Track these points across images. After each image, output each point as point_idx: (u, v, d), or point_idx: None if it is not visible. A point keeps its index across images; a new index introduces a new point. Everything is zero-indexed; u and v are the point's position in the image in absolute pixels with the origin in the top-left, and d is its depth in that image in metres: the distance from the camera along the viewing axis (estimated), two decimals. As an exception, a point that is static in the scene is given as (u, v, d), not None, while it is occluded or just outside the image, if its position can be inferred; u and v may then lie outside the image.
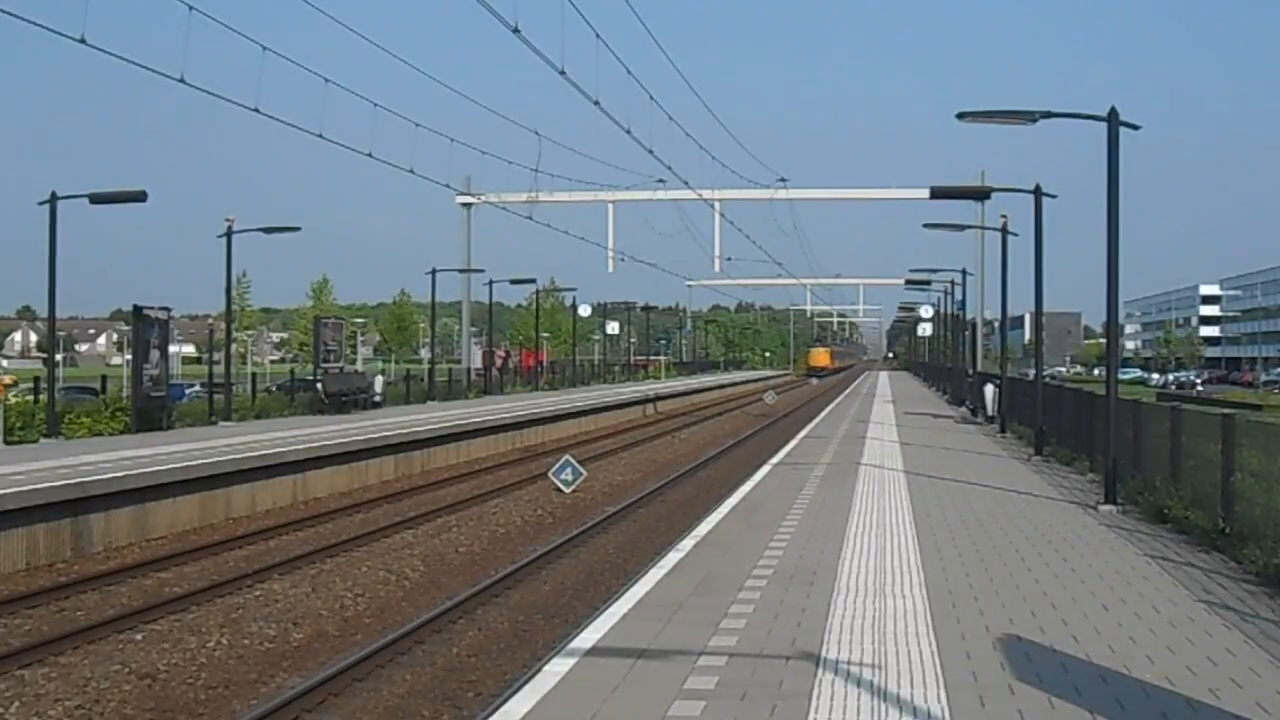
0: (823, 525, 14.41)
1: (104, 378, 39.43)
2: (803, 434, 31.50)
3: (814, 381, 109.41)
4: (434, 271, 49.49)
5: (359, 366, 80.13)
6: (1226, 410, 15.37)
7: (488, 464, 31.36)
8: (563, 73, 24.59)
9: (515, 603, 14.83)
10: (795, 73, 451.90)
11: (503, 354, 73.71)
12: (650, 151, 34.45)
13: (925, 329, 73.60)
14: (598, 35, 25.55)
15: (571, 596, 15.27)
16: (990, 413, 34.77)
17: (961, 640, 8.73)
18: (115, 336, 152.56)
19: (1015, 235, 31.28)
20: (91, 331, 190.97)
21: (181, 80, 20.46)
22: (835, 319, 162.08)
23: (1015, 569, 11.61)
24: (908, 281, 59.33)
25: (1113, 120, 16.04)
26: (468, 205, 57.42)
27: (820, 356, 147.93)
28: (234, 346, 62.77)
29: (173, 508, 19.66)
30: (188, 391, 44.39)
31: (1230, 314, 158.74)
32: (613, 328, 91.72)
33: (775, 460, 23.46)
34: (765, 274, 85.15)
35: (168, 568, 16.71)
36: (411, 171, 33.49)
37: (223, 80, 22.75)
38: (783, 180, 59.22)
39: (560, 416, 41.83)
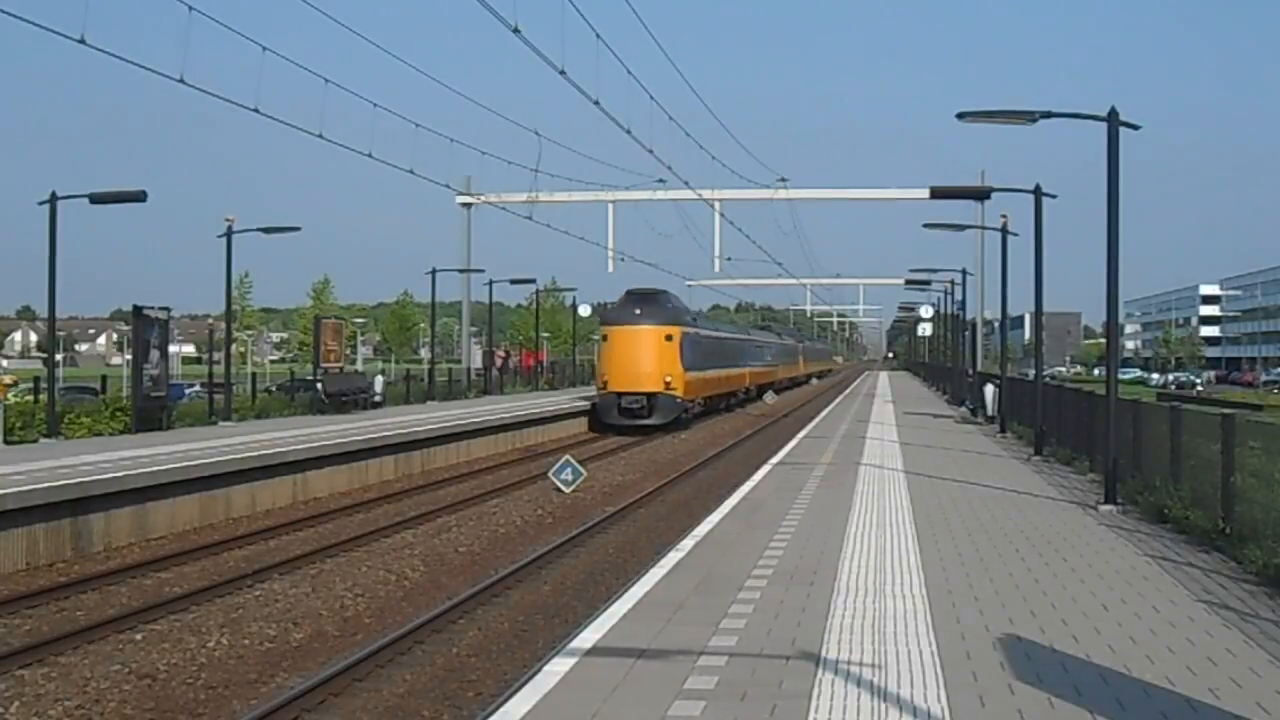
0: (823, 525, 14.41)
1: (104, 378, 39.49)
2: (803, 434, 31.50)
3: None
4: (434, 271, 49.52)
5: (359, 366, 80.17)
6: (1226, 410, 15.37)
7: (488, 464, 31.36)
8: (563, 73, 24.57)
9: (515, 603, 14.83)
10: (795, 73, 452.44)
11: (503, 354, 73.65)
12: (650, 151, 33.81)
13: (925, 329, 73.55)
14: (598, 35, 25.50)
15: (571, 596, 15.26)
16: (990, 413, 34.77)
17: (961, 640, 8.73)
18: (115, 336, 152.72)
19: (1015, 235, 31.32)
20: (91, 331, 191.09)
21: (181, 80, 20.44)
22: (835, 319, 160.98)
23: (1015, 569, 11.62)
24: (908, 281, 59.37)
25: (1113, 120, 16.05)
26: (468, 205, 57.33)
27: (633, 357, 41.97)
28: (234, 346, 62.85)
29: (172, 508, 19.65)
30: (188, 391, 44.41)
31: (1230, 314, 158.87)
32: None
33: (775, 460, 23.46)
34: (765, 274, 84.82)
35: (168, 568, 16.70)
36: (411, 172, 33.48)
37: (223, 80, 22.90)
38: (783, 180, 58.95)
39: (560, 416, 41.80)
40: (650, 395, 41.49)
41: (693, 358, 44.32)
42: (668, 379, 41.74)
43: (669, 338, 42.44)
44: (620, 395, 41.52)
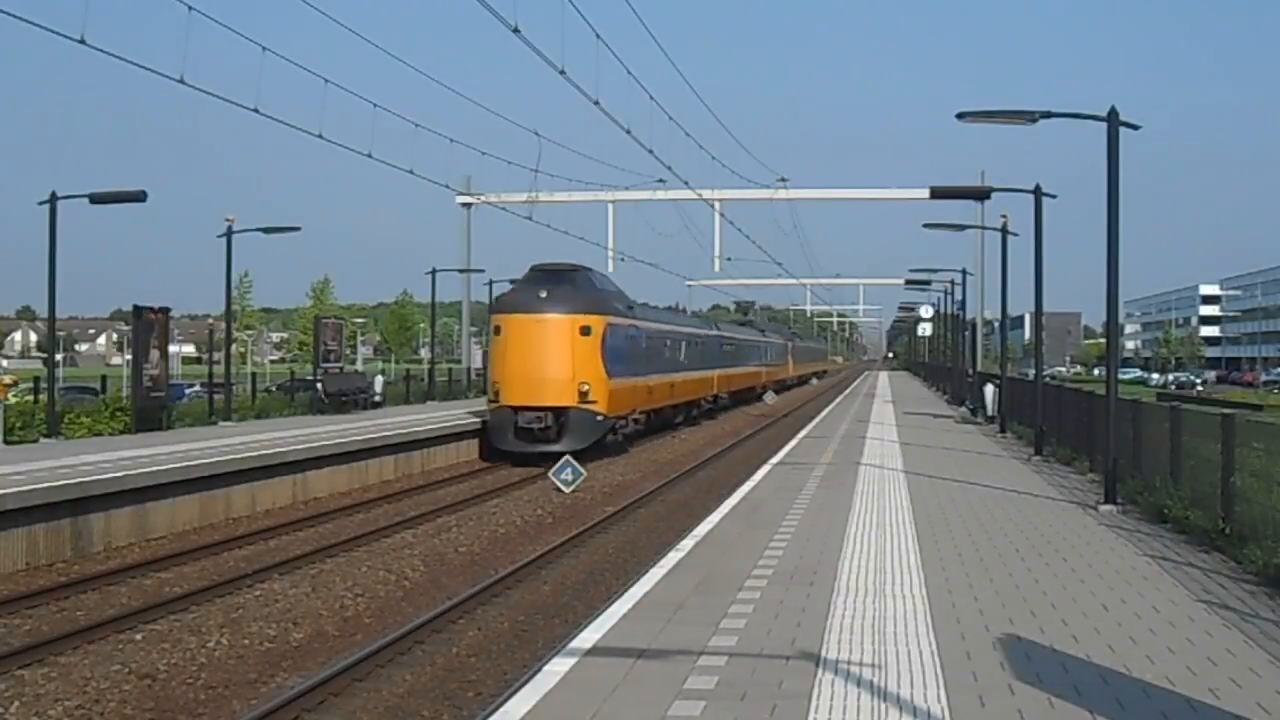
0: (823, 525, 14.41)
1: (104, 378, 39.51)
2: (802, 434, 31.50)
3: None
4: (434, 271, 49.53)
5: (359, 366, 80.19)
6: (1226, 410, 15.38)
7: (488, 464, 31.34)
8: (563, 73, 24.54)
9: (515, 603, 14.84)
10: (795, 73, 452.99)
11: (503, 354, 73.54)
12: (650, 151, 33.79)
13: (925, 329, 73.54)
14: (598, 35, 25.48)
15: (571, 596, 15.27)
16: (990, 413, 34.79)
17: (961, 640, 8.73)
18: (115, 336, 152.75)
19: (1015, 235, 31.37)
20: (91, 331, 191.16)
21: (181, 81, 20.38)
22: (835, 319, 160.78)
23: (1015, 569, 11.62)
24: (908, 281, 59.37)
25: (1113, 120, 16.05)
26: (468, 205, 57.32)
27: (535, 357, 31.52)
28: (234, 346, 62.85)
29: (173, 508, 19.66)
30: (188, 391, 44.46)
31: (1230, 314, 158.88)
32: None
33: (775, 460, 23.46)
34: (765, 274, 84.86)
35: (168, 568, 16.71)
36: (411, 172, 33.41)
37: (223, 80, 22.61)
38: (783, 180, 59.00)
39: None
40: (558, 411, 30.66)
41: (624, 358, 33.74)
42: (584, 387, 30.94)
43: (586, 331, 31.52)
44: (517, 411, 30.60)
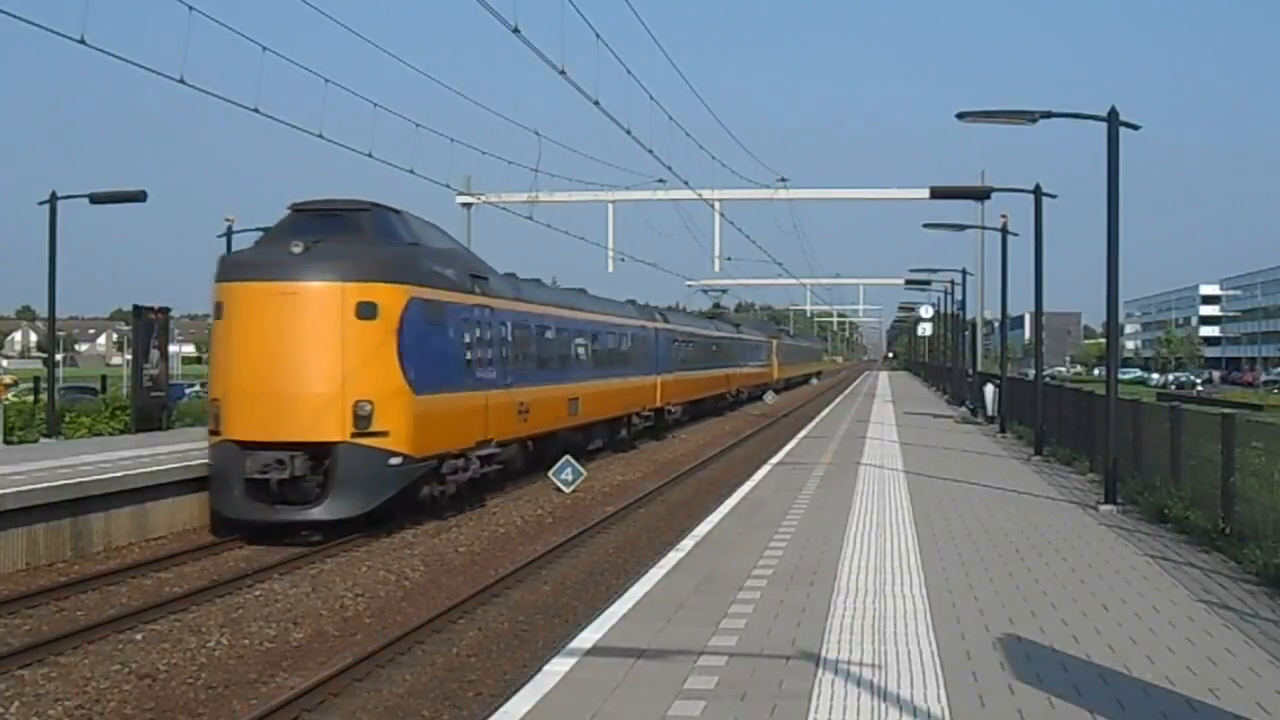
0: (823, 525, 14.42)
1: (104, 378, 39.63)
2: (802, 434, 31.51)
3: None
4: (434, 271, 49.35)
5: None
6: (1226, 410, 15.39)
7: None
8: (563, 73, 24.49)
9: (515, 603, 14.83)
10: (796, 73, 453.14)
11: (503, 354, 73.34)
12: (650, 151, 33.82)
13: (925, 329, 73.53)
14: (598, 35, 25.41)
15: (571, 596, 15.26)
16: (990, 413, 34.82)
17: (961, 640, 8.73)
18: (115, 336, 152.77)
19: (1015, 235, 31.43)
20: (91, 331, 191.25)
21: (181, 80, 20.33)
22: (835, 319, 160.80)
23: (1015, 569, 11.62)
24: (908, 281, 59.40)
25: (1113, 120, 16.07)
26: (468, 205, 57.23)
27: (279, 357, 18.36)
28: (234, 346, 62.74)
29: (173, 508, 19.63)
30: (188, 391, 44.46)
31: (1230, 314, 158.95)
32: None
33: (775, 460, 23.47)
34: (765, 274, 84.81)
35: (168, 568, 16.70)
36: (411, 171, 33.35)
37: (223, 80, 22.72)
38: (783, 180, 58.88)
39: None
40: (318, 450, 18.31)
41: (452, 359, 21.03)
42: (364, 409, 18.35)
43: (367, 310, 18.63)
44: (247, 450, 18.27)
